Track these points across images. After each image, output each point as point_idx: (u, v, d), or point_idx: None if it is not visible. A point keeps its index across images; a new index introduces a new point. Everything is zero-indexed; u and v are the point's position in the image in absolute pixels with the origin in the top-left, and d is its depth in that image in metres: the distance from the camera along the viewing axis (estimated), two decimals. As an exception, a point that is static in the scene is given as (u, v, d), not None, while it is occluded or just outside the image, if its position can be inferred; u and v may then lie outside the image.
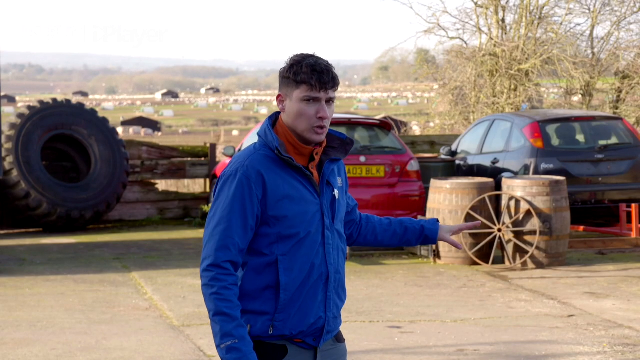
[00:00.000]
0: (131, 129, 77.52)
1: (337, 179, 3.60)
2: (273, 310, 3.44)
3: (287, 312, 3.44)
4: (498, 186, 12.22)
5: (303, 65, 3.44)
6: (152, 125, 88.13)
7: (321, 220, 3.50)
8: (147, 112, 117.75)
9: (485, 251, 11.79)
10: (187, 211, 16.74)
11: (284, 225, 3.44)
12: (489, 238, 11.71)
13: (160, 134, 79.70)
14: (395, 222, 3.86)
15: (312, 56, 3.50)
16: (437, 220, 3.87)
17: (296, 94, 3.45)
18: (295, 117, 3.46)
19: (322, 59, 3.48)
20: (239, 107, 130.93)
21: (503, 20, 22.31)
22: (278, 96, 3.55)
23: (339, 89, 3.58)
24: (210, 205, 17.60)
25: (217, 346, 3.39)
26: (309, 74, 3.43)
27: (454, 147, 15.11)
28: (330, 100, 3.49)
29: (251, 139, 14.61)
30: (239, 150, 14.91)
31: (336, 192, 3.57)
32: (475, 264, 11.77)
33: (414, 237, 3.84)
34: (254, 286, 3.45)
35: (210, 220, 3.46)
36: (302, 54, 3.51)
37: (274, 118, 3.57)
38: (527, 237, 11.62)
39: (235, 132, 67.11)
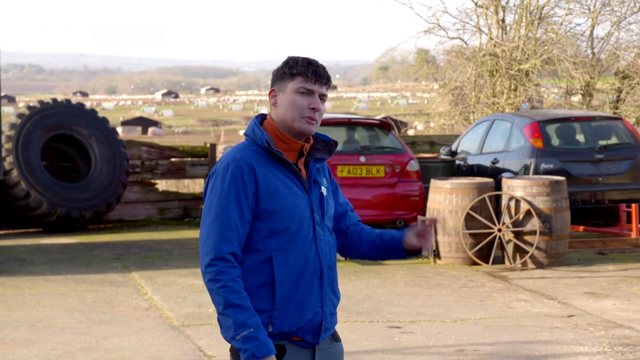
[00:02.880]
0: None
1: (322, 179, 3.65)
2: (271, 308, 3.47)
3: (284, 309, 3.47)
4: (498, 186, 12.22)
5: (299, 60, 3.54)
6: (153, 125, 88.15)
7: (311, 216, 3.54)
8: (147, 112, 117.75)
9: (485, 251, 11.79)
10: (187, 211, 16.74)
11: (276, 219, 3.48)
12: (489, 238, 11.71)
13: (152, 133, 79.60)
14: (376, 236, 3.73)
15: (307, 57, 3.61)
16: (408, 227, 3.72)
17: (290, 86, 3.52)
18: (287, 107, 3.52)
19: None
20: (239, 107, 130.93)
21: (503, 20, 22.32)
22: (270, 92, 3.60)
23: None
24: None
25: (232, 338, 3.38)
26: (305, 66, 3.53)
27: (454, 147, 15.10)
28: (322, 97, 3.55)
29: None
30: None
31: (323, 189, 3.63)
32: (475, 264, 11.77)
33: (390, 251, 3.72)
34: (250, 284, 3.47)
35: (206, 216, 3.49)
36: (295, 55, 3.62)
37: (261, 118, 3.63)
38: (527, 237, 11.62)
39: (241, 132, 66.88)
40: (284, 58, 3.63)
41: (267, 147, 3.50)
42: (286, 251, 3.48)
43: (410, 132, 33.34)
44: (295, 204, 3.51)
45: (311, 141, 3.61)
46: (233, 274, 3.40)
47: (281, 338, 3.48)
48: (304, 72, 3.51)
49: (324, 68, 3.56)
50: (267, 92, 3.64)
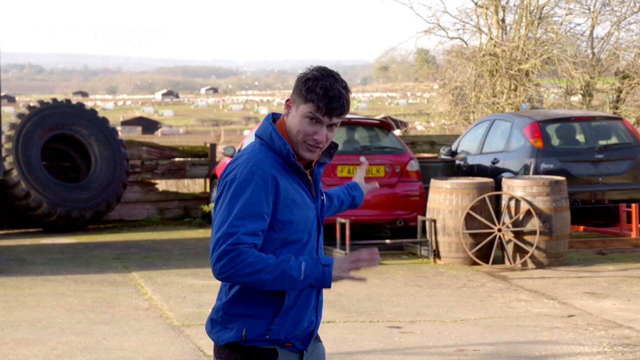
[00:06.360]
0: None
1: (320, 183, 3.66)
2: (272, 314, 3.45)
3: (285, 317, 3.47)
4: (498, 186, 12.22)
5: (319, 84, 3.40)
6: (153, 125, 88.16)
7: (317, 226, 3.55)
8: (147, 112, 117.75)
9: (485, 251, 11.79)
10: (187, 211, 16.74)
11: (290, 231, 3.45)
12: (489, 238, 11.71)
13: (160, 133, 79.71)
14: (336, 198, 4.08)
15: (332, 77, 3.43)
16: (356, 185, 4.22)
17: (302, 108, 3.44)
18: (294, 128, 3.47)
19: (340, 82, 3.42)
20: (239, 107, 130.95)
21: (503, 20, 22.32)
22: (287, 100, 3.54)
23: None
24: (211, 205, 17.52)
25: (302, 281, 3.34)
26: (320, 96, 3.40)
27: (454, 147, 15.10)
28: (332, 125, 3.48)
29: (252, 139, 14.61)
30: (239, 150, 14.90)
31: (324, 197, 3.65)
32: (475, 264, 11.77)
33: (346, 207, 4.16)
34: (253, 291, 3.43)
35: (221, 221, 3.37)
36: (324, 70, 3.45)
37: (274, 120, 3.56)
38: (527, 237, 11.62)
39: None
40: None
41: (289, 159, 3.45)
42: None
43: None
44: (307, 215, 3.50)
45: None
46: (253, 251, 3.33)
47: (274, 343, 3.49)
48: (316, 101, 3.39)
49: (340, 98, 3.40)
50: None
